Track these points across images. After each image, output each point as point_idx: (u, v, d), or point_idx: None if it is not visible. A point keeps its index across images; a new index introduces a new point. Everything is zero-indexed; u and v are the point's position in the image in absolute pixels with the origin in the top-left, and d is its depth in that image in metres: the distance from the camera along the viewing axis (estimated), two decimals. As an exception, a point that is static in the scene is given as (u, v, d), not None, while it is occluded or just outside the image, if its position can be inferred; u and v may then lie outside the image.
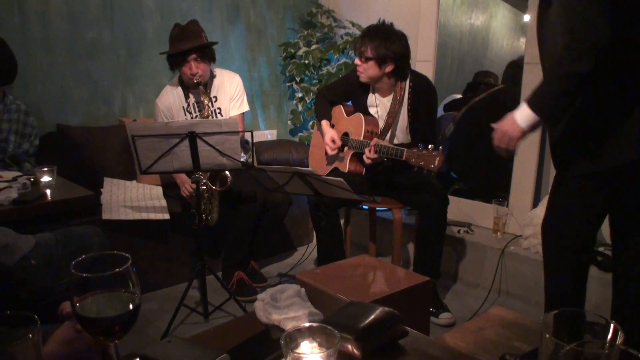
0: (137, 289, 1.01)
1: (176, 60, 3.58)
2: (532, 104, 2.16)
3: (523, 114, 2.18)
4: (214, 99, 3.72)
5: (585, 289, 2.42)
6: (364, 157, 3.20)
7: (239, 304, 3.30)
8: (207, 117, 3.54)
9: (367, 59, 3.32)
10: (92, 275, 0.98)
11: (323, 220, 3.38)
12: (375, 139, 3.19)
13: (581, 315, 1.00)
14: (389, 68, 3.32)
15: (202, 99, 3.54)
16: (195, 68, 3.54)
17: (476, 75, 5.22)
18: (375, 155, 3.12)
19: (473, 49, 6.47)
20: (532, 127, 2.20)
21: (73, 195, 2.88)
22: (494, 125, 2.31)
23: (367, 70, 3.35)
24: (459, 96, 5.09)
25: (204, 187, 3.45)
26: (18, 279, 2.23)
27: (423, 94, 3.40)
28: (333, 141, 3.55)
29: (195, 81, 3.54)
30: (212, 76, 3.77)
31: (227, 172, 3.38)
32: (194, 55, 3.54)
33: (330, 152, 3.57)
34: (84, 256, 1.02)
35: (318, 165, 3.77)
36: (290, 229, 4.54)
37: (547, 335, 0.93)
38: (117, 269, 0.98)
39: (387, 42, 3.27)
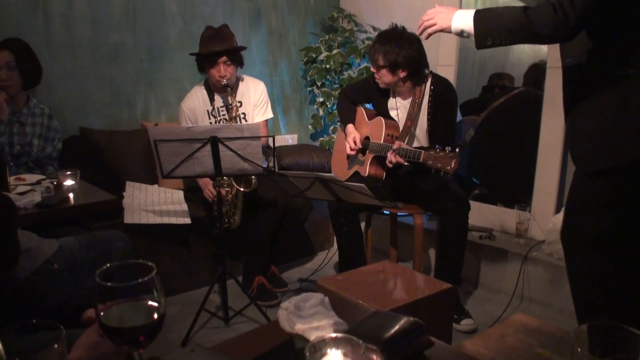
0: (162, 298, 1.00)
1: (206, 61, 3.62)
2: (479, 17, 2.11)
3: (463, 17, 2.14)
4: (238, 104, 3.73)
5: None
6: (387, 161, 3.19)
7: (259, 309, 3.29)
8: (235, 117, 3.58)
9: (380, 67, 3.31)
10: (117, 285, 0.97)
11: (344, 226, 3.37)
12: (398, 142, 3.17)
13: (616, 328, 0.97)
14: (402, 74, 3.31)
15: (229, 100, 3.57)
16: (223, 71, 3.57)
17: (491, 77, 5.17)
18: (398, 159, 3.11)
19: (495, 52, 6.41)
20: (458, 33, 2.18)
21: (96, 200, 2.88)
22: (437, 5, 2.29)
23: (381, 77, 3.36)
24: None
25: (228, 189, 3.45)
26: (41, 283, 2.24)
27: (443, 97, 3.38)
28: (355, 142, 3.55)
29: (223, 83, 3.56)
30: (238, 81, 3.78)
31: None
32: (224, 58, 3.57)
33: (348, 152, 3.57)
34: (108, 265, 1.01)
35: (340, 170, 3.77)
36: (310, 234, 4.53)
37: (579, 350, 0.90)
38: (142, 279, 0.97)
39: (398, 48, 3.26)
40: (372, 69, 3.41)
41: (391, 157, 3.14)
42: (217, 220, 3.24)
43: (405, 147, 3.10)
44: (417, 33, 2.38)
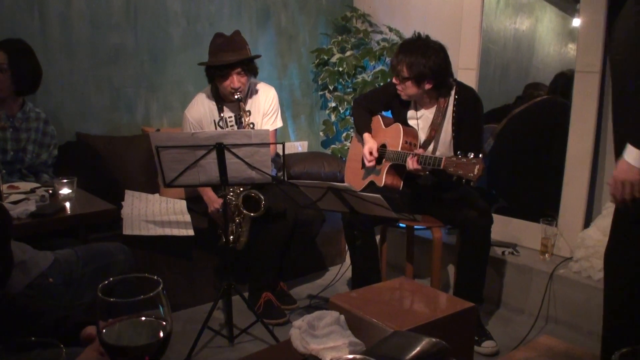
0: (168, 315, 1.00)
1: (217, 72, 3.56)
2: (636, 140, 2.09)
3: (634, 155, 2.11)
4: (247, 113, 3.72)
5: None
6: (407, 166, 3.17)
7: (266, 328, 3.28)
8: (245, 128, 3.58)
9: (404, 79, 3.29)
10: (121, 301, 0.96)
11: (358, 240, 3.35)
12: (420, 150, 3.16)
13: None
14: (428, 86, 3.29)
15: (241, 114, 3.58)
16: (237, 82, 3.53)
17: (526, 87, 5.15)
18: (418, 166, 3.09)
19: (518, 55, 6.40)
20: None
21: (94, 209, 2.89)
22: (609, 181, 2.24)
23: (405, 89, 3.33)
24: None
25: (235, 212, 3.45)
26: (35, 298, 2.24)
27: (469, 107, 3.37)
28: (370, 152, 3.53)
29: (236, 97, 3.53)
30: (248, 89, 3.75)
31: (261, 196, 3.38)
32: (238, 69, 3.53)
33: (367, 164, 3.55)
34: (111, 279, 1.01)
35: (354, 180, 3.76)
36: (321, 248, 4.52)
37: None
38: (147, 294, 0.96)
39: (424, 59, 3.22)
40: (394, 80, 3.38)
41: (410, 163, 3.12)
42: (221, 238, 3.22)
43: (425, 154, 3.10)
44: (629, 206, 2.24)
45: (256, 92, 3.81)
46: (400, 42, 3.44)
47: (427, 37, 3.35)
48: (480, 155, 2.79)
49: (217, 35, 3.64)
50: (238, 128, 3.66)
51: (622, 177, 2.16)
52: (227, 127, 3.74)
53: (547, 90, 5.00)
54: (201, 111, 3.75)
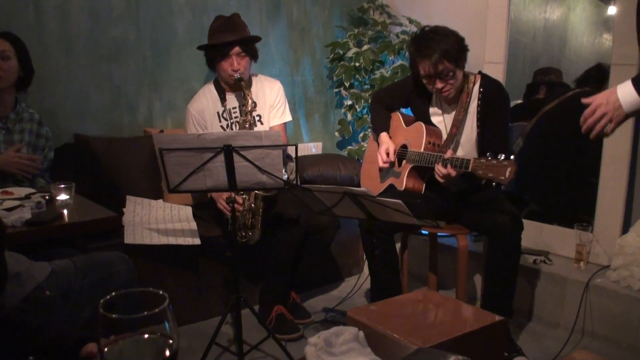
0: (174, 332, 1.00)
1: (216, 53, 3.68)
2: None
3: (628, 97, 2.12)
4: (253, 104, 3.74)
5: None
6: (436, 174, 3.16)
7: (278, 343, 3.28)
8: (250, 112, 3.61)
9: (452, 72, 3.27)
10: (124, 317, 0.96)
11: (377, 249, 3.34)
12: (450, 151, 3.15)
13: None
14: (464, 62, 3.33)
15: (244, 94, 3.62)
16: (237, 64, 3.64)
17: (535, 74, 5.12)
18: (449, 169, 3.08)
19: (548, 47, 6.38)
20: (637, 114, 2.15)
21: (93, 217, 2.89)
22: (586, 100, 2.26)
23: (455, 82, 3.32)
24: (519, 101, 5.01)
25: (245, 196, 3.46)
26: (31, 312, 2.24)
27: (494, 101, 3.36)
28: (387, 154, 3.53)
29: (236, 77, 3.61)
30: (251, 79, 3.80)
31: None
32: (237, 49, 3.64)
33: (380, 164, 3.56)
34: (113, 293, 1.01)
35: (371, 183, 3.76)
36: (337, 257, 4.52)
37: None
38: (152, 310, 0.97)
39: (447, 39, 3.23)
40: (437, 86, 3.30)
41: (440, 169, 3.11)
42: (231, 237, 3.22)
43: (454, 156, 3.09)
44: (592, 137, 2.30)
45: (261, 84, 3.88)
46: (410, 48, 3.42)
47: (423, 27, 3.37)
48: (512, 157, 2.77)
49: (217, 17, 3.77)
50: (242, 119, 3.68)
51: (605, 108, 2.19)
52: (232, 118, 3.80)
53: (558, 74, 4.95)
54: (204, 103, 3.82)
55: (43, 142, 3.51)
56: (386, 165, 3.56)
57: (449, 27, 3.31)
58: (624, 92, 2.15)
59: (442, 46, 3.20)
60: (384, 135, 3.66)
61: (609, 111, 2.18)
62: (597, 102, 2.23)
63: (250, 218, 3.57)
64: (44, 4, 3.84)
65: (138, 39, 4.24)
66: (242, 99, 3.69)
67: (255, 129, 3.75)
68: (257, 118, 3.79)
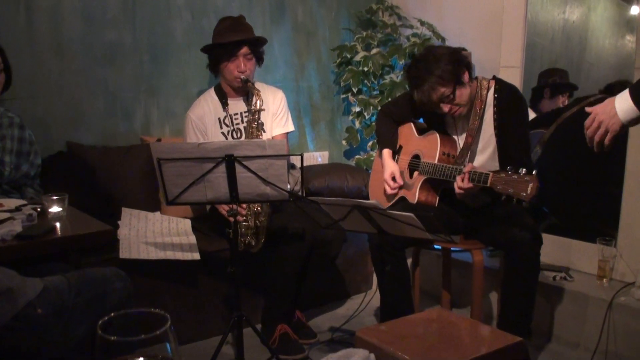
0: (177, 355, 1.00)
1: (224, 53, 3.72)
2: (636, 95, 2.14)
3: (624, 105, 2.18)
4: (257, 92, 3.74)
5: None
6: (456, 188, 3.15)
7: (282, 365, 3.28)
8: (258, 111, 3.63)
9: (452, 94, 3.27)
10: (123, 340, 0.97)
11: (388, 264, 3.34)
12: (469, 165, 3.15)
13: None
14: (466, 77, 3.31)
15: (253, 93, 3.65)
16: (243, 65, 3.69)
17: (540, 76, 5.11)
18: (470, 185, 3.07)
19: (568, 50, 6.38)
20: (634, 122, 2.21)
21: (87, 230, 2.87)
22: (588, 109, 2.35)
23: (460, 102, 3.32)
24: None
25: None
26: (22, 331, 2.25)
27: (510, 107, 3.36)
28: (393, 179, 3.54)
29: (242, 78, 3.67)
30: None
31: None
32: (245, 50, 3.70)
33: (389, 192, 3.57)
34: (112, 314, 1.01)
35: (381, 195, 3.76)
36: (343, 273, 4.52)
37: None
38: (154, 332, 0.97)
39: (439, 62, 3.24)
40: (444, 110, 3.32)
41: (460, 183, 3.10)
42: (233, 252, 3.21)
43: (474, 169, 3.09)
44: (596, 150, 2.41)
45: (263, 93, 3.86)
46: (406, 81, 3.44)
47: (413, 55, 3.39)
48: (534, 172, 2.77)
49: (223, 18, 3.84)
50: (250, 117, 3.70)
51: (602, 117, 2.28)
52: (233, 125, 3.83)
53: (563, 74, 4.95)
54: (205, 109, 3.85)
55: (27, 146, 3.38)
56: (394, 191, 3.56)
57: (443, 45, 3.33)
58: (621, 100, 2.23)
59: (433, 73, 3.22)
60: (387, 154, 3.68)
61: (604, 120, 2.25)
62: (596, 111, 2.31)
63: (255, 222, 3.58)
64: (35, 5, 3.85)
65: (134, 43, 4.26)
66: (247, 104, 3.72)
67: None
68: (261, 125, 3.80)
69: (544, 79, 5.01)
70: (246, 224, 3.55)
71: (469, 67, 3.35)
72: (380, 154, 3.77)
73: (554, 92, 4.66)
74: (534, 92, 5.02)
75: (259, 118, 3.69)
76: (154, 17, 4.32)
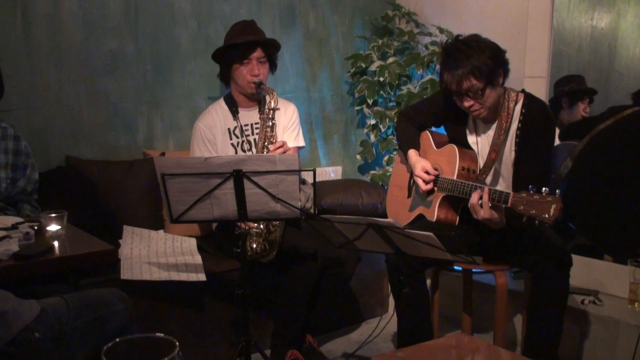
0: (185, 384, 1.00)
1: (237, 55, 3.74)
2: None
3: None
4: (273, 93, 3.75)
5: None
6: (477, 216, 3.13)
7: (293, 393, 3.28)
8: (273, 109, 3.65)
9: (481, 90, 3.25)
10: (129, 366, 0.97)
11: (405, 287, 3.33)
12: (487, 189, 3.12)
13: None
14: (501, 79, 3.30)
15: (267, 99, 3.68)
16: (257, 69, 3.71)
17: (556, 84, 5.07)
18: (488, 214, 3.06)
19: (596, 59, 6.35)
20: None
21: (87, 250, 2.86)
22: None
23: (486, 101, 3.29)
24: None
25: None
26: (18, 357, 2.25)
27: (537, 125, 3.34)
28: (426, 172, 3.50)
29: (256, 81, 3.69)
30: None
31: None
32: (259, 52, 3.74)
33: (424, 188, 3.49)
34: (117, 340, 1.01)
35: (398, 212, 3.75)
36: (358, 295, 4.51)
37: None
38: (161, 359, 0.97)
39: (481, 53, 3.21)
40: (466, 104, 3.31)
41: (477, 204, 3.09)
42: (242, 272, 3.21)
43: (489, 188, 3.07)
44: None
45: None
46: (439, 59, 3.41)
47: (457, 35, 3.35)
48: (558, 192, 2.76)
49: (235, 24, 3.88)
50: (264, 116, 3.71)
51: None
52: (243, 136, 3.83)
53: (581, 81, 4.90)
54: (215, 118, 3.87)
55: (23, 159, 3.33)
56: (430, 186, 3.51)
57: (489, 39, 3.30)
58: None
59: (471, 61, 3.19)
60: (412, 153, 3.64)
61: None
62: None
63: (268, 227, 3.58)
64: (32, 12, 3.87)
65: (137, 52, 4.27)
66: (257, 116, 3.72)
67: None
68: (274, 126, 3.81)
69: (559, 88, 4.99)
70: (257, 230, 3.55)
71: (506, 72, 3.34)
72: (402, 159, 3.75)
73: (573, 100, 4.64)
74: (551, 103, 5.00)
75: (273, 117, 3.68)
76: (158, 24, 4.33)
